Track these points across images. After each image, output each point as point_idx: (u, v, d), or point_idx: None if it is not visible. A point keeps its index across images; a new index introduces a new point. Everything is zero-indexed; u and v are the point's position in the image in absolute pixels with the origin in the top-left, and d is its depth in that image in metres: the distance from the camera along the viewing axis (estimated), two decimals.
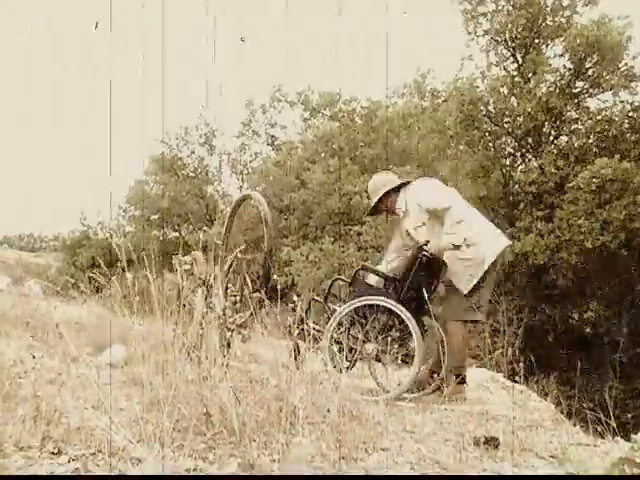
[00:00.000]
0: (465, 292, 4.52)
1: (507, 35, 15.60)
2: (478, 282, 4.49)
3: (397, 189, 4.88)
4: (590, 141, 15.71)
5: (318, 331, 4.38)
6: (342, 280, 4.86)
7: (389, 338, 4.23)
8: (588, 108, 15.79)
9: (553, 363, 12.35)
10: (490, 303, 4.53)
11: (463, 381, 4.51)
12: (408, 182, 4.94)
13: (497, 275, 4.81)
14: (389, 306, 4.31)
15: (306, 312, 4.43)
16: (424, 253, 4.43)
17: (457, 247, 4.48)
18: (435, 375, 4.58)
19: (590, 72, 15.25)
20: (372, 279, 4.76)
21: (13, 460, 2.12)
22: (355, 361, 4.40)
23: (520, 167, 16.56)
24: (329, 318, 4.39)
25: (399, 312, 4.27)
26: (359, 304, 4.38)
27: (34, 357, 3.42)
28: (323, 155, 22.71)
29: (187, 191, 26.18)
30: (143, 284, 3.24)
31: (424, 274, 4.51)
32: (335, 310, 4.43)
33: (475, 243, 4.49)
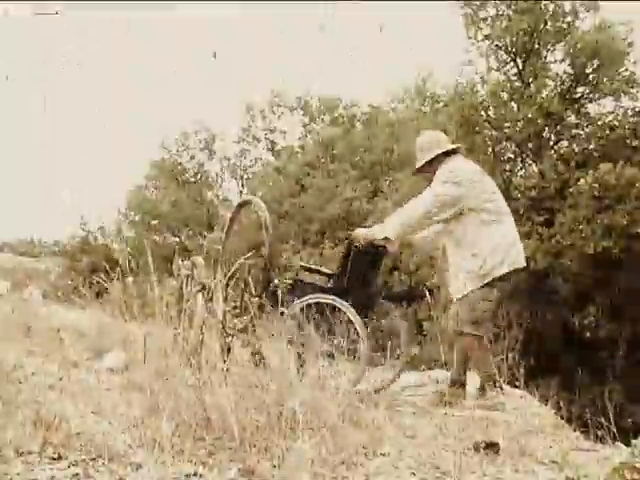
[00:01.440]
0: (454, 298, 4.43)
1: (508, 40, 15.62)
2: (477, 294, 4.30)
3: (449, 153, 4.56)
4: (591, 146, 15.72)
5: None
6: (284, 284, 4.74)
7: (337, 335, 4.13)
8: (588, 113, 15.81)
9: (553, 368, 12.34)
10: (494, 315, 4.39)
11: (496, 385, 4.31)
12: (458, 149, 4.66)
13: (502, 292, 4.58)
14: (331, 302, 4.20)
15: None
16: (356, 246, 4.39)
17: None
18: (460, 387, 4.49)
19: (591, 77, 15.27)
20: (314, 279, 4.72)
21: (13, 465, 2.12)
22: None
23: (520, 172, 16.56)
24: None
25: (341, 307, 4.16)
26: (302, 305, 4.26)
27: None
28: (323, 160, 22.75)
29: (187, 196, 26.21)
30: (143, 289, 3.24)
31: (367, 267, 4.50)
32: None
33: (478, 255, 4.28)
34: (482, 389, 4.41)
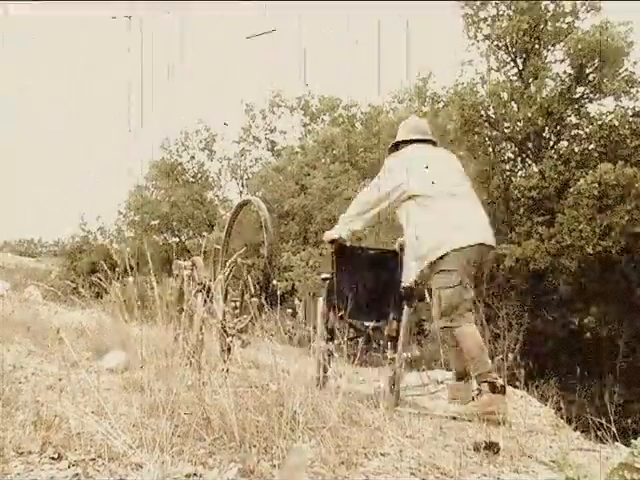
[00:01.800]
0: (404, 285, 4.21)
1: (508, 40, 15.64)
2: (437, 284, 4.13)
3: (415, 142, 4.66)
4: (591, 146, 15.74)
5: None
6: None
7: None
8: (589, 113, 15.82)
9: (553, 368, 12.35)
10: (489, 307, 4.32)
11: (495, 390, 3.86)
12: (429, 141, 4.75)
13: (473, 277, 4.20)
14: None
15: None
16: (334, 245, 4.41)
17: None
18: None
19: (591, 77, 15.29)
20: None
21: (13, 465, 2.12)
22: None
23: (520, 172, 16.58)
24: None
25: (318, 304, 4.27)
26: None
27: None
28: (323, 160, 22.73)
29: (187, 196, 26.18)
30: (143, 289, 3.24)
31: (353, 269, 4.44)
32: None
33: (419, 238, 4.14)
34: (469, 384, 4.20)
